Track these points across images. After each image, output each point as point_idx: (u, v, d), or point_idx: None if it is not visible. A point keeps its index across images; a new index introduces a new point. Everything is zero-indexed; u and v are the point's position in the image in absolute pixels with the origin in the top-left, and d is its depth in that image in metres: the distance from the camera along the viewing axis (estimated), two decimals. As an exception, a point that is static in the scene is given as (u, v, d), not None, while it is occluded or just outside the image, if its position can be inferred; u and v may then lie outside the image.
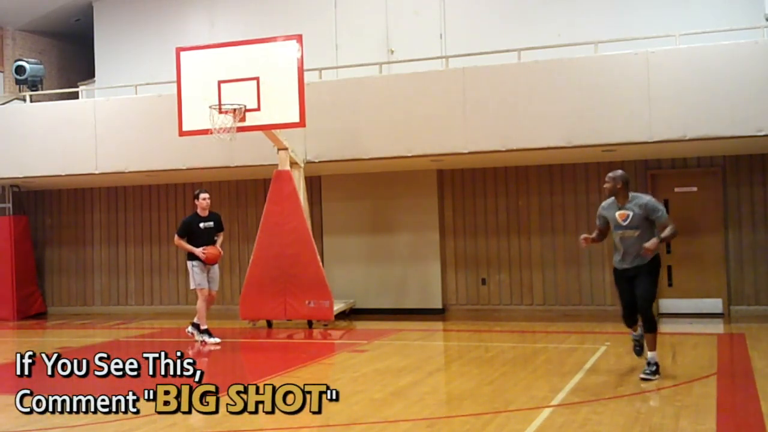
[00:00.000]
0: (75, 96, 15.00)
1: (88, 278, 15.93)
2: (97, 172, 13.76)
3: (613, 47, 11.91)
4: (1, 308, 15.02)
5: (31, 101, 14.88)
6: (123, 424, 6.50)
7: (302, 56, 11.34)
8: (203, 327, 10.94)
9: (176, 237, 11.05)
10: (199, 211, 11.02)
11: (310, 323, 12.31)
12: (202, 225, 10.93)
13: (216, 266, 11.05)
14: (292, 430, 6.37)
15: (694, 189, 12.81)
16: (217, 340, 10.95)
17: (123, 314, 15.19)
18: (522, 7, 13.88)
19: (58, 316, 15.39)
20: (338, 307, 12.69)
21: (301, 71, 11.33)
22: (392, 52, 14.21)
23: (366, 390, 7.54)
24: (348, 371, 8.87)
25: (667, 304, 12.78)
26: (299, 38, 11.40)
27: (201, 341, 10.90)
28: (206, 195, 11.07)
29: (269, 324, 12.55)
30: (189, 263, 10.95)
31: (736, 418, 6.43)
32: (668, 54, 11.26)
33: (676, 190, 12.88)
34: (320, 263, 12.21)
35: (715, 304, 12.56)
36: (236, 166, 13.07)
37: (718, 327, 11.59)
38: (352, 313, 13.72)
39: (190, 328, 11.09)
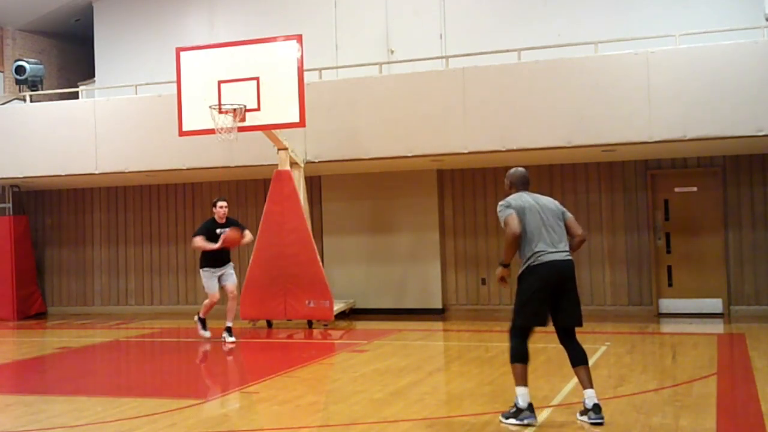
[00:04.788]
0: (75, 96, 15.01)
1: (88, 278, 15.93)
2: (97, 172, 13.76)
3: (613, 47, 11.91)
4: (1, 308, 15.02)
5: (31, 101, 14.88)
6: (123, 425, 6.49)
7: (302, 56, 11.34)
8: (201, 316, 11.23)
9: (195, 238, 10.98)
10: (216, 218, 11.05)
11: (310, 323, 12.31)
12: (218, 231, 10.96)
13: (228, 265, 11.08)
14: (292, 430, 6.37)
15: (694, 189, 12.81)
16: (208, 334, 11.18)
17: (123, 314, 15.19)
18: (522, 7, 13.88)
19: (58, 316, 15.39)
20: (338, 307, 12.70)
21: (301, 71, 11.33)
22: (392, 52, 14.21)
23: (366, 390, 7.54)
24: (348, 371, 8.87)
25: (667, 304, 12.79)
26: (299, 38, 11.40)
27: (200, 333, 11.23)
28: (224, 203, 11.09)
29: (269, 324, 12.55)
30: (200, 270, 11.13)
31: (736, 418, 6.43)
32: (668, 54, 11.26)
33: (676, 190, 12.88)
34: (320, 263, 12.21)
35: (715, 304, 12.55)
36: (236, 166, 13.07)
37: (718, 327, 11.58)
38: (352, 313, 13.72)
39: (224, 335, 11.05)
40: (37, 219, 16.14)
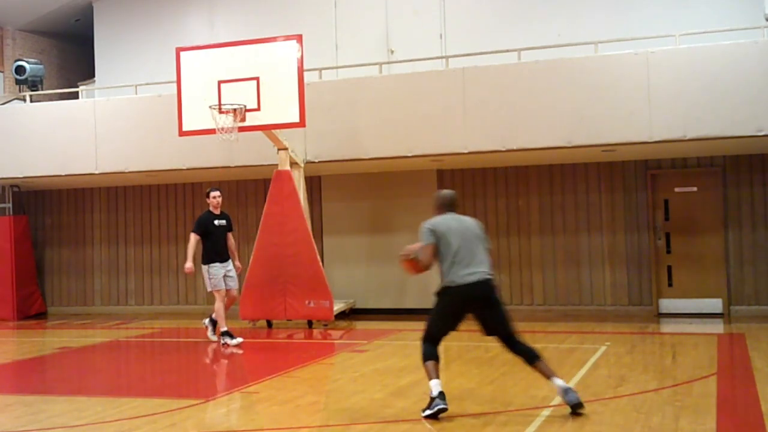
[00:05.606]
0: (75, 96, 15.01)
1: (88, 278, 15.93)
2: (97, 172, 13.76)
3: (613, 47, 11.91)
4: (1, 308, 15.02)
5: (31, 101, 14.88)
6: (123, 425, 6.49)
7: (302, 56, 11.34)
8: (223, 329, 10.76)
9: (192, 235, 10.79)
10: (211, 208, 10.91)
11: (310, 323, 12.31)
12: (216, 222, 10.83)
13: (229, 261, 10.91)
14: (292, 430, 6.37)
15: (694, 189, 12.81)
16: (239, 340, 10.78)
17: (123, 314, 15.18)
18: (522, 7, 13.88)
19: (58, 316, 15.39)
20: (338, 307, 12.69)
21: (301, 71, 11.33)
22: (392, 52, 14.21)
23: (366, 390, 7.54)
24: (348, 371, 8.87)
25: (667, 304, 12.78)
26: (299, 38, 11.40)
27: (223, 343, 10.71)
28: (217, 192, 10.96)
29: (269, 324, 12.55)
30: (204, 267, 10.80)
31: (736, 418, 6.43)
32: (668, 54, 11.27)
33: (676, 190, 12.88)
34: (320, 263, 12.21)
35: (715, 304, 12.55)
36: (236, 166, 13.07)
37: (718, 327, 11.58)
38: (352, 313, 13.72)
39: (206, 321, 11.04)
40: (37, 219, 16.14)
